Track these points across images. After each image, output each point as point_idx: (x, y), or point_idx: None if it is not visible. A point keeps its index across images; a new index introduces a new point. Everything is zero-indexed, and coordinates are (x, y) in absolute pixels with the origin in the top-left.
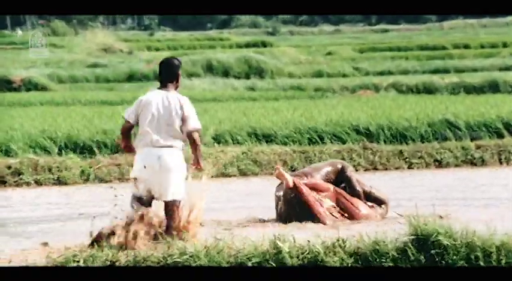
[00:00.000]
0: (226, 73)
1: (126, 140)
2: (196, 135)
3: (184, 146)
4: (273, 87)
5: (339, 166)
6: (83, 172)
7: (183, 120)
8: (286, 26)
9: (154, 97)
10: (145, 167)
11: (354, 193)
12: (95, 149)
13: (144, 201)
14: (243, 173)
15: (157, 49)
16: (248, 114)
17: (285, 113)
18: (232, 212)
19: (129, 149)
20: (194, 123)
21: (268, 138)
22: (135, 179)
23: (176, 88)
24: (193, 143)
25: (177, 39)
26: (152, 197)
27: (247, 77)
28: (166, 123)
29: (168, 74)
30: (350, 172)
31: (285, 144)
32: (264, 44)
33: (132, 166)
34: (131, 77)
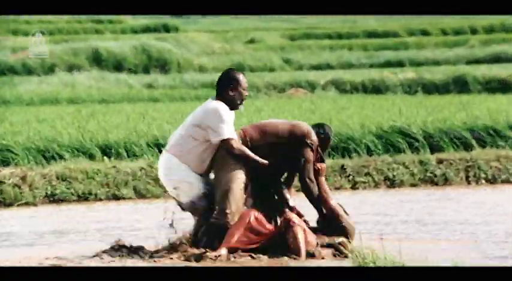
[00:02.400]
0: (118, 66)
1: None
2: (228, 145)
3: (191, 159)
4: (179, 84)
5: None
6: None
7: (203, 129)
8: None
9: None
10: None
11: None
12: None
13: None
14: (141, 195)
15: (26, 34)
16: (147, 119)
17: None
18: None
19: None
20: (216, 134)
21: None
22: None
23: (226, 100)
24: (230, 153)
25: (54, 21)
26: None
27: (146, 71)
28: (179, 131)
29: (216, 85)
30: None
31: None
32: (167, 29)
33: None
34: None
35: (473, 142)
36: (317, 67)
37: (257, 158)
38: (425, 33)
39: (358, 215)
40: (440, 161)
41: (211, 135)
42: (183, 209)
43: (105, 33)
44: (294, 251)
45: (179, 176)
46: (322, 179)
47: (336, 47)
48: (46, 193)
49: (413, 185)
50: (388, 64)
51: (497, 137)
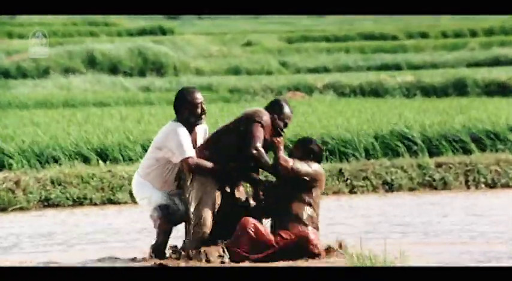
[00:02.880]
0: (113, 69)
1: None
2: (186, 164)
3: (153, 178)
4: (176, 87)
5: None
6: None
7: (163, 152)
8: None
9: None
10: None
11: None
12: None
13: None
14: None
15: (21, 36)
16: (144, 122)
17: None
18: (120, 252)
19: None
20: (177, 155)
21: None
22: None
23: (183, 120)
24: (190, 171)
25: (48, 23)
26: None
27: (142, 74)
28: (147, 152)
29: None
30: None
31: None
32: (164, 31)
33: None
34: None
35: (473, 146)
36: (314, 70)
37: (215, 165)
38: (424, 35)
39: (355, 218)
40: (439, 165)
41: (173, 157)
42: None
43: (100, 36)
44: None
45: (142, 193)
46: (281, 148)
47: (333, 49)
48: (40, 198)
49: (411, 189)
50: (385, 67)
51: (497, 141)
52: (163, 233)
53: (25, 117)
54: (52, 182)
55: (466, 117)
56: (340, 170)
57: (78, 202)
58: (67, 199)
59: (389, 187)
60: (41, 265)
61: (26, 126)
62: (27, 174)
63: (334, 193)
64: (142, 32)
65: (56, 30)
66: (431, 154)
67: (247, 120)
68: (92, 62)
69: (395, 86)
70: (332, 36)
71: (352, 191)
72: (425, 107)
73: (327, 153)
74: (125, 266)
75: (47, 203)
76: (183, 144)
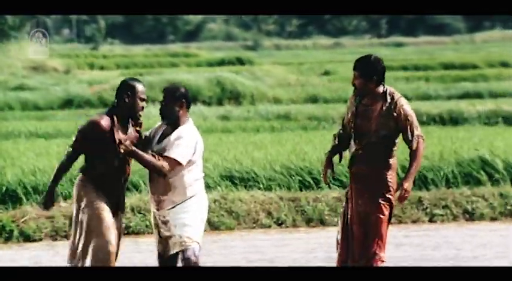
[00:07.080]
0: (193, 98)
1: None
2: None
3: None
4: (254, 115)
5: None
6: (3, 227)
7: None
8: (270, 39)
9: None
10: None
11: None
12: (21, 195)
13: None
14: (214, 227)
15: (102, 67)
16: (221, 150)
17: (269, 149)
18: None
19: None
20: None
21: (248, 182)
22: None
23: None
24: None
25: (129, 55)
26: None
27: (220, 103)
28: None
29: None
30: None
31: (270, 189)
32: (242, 62)
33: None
34: (68, 103)
35: None
36: None
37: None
38: (505, 64)
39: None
40: None
41: None
42: None
43: (180, 66)
44: None
45: None
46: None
47: (413, 78)
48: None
49: (493, 218)
50: (466, 96)
51: None
52: None
53: None
54: (132, 210)
55: None
56: (420, 198)
57: None
58: (147, 226)
59: (470, 216)
60: (41, 265)
61: None
62: None
63: (413, 221)
64: (222, 62)
65: (136, 61)
66: None
67: None
68: None
69: (476, 115)
70: (411, 66)
71: (431, 220)
72: (507, 136)
73: None
74: (125, 266)
75: (126, 231)
76: None
